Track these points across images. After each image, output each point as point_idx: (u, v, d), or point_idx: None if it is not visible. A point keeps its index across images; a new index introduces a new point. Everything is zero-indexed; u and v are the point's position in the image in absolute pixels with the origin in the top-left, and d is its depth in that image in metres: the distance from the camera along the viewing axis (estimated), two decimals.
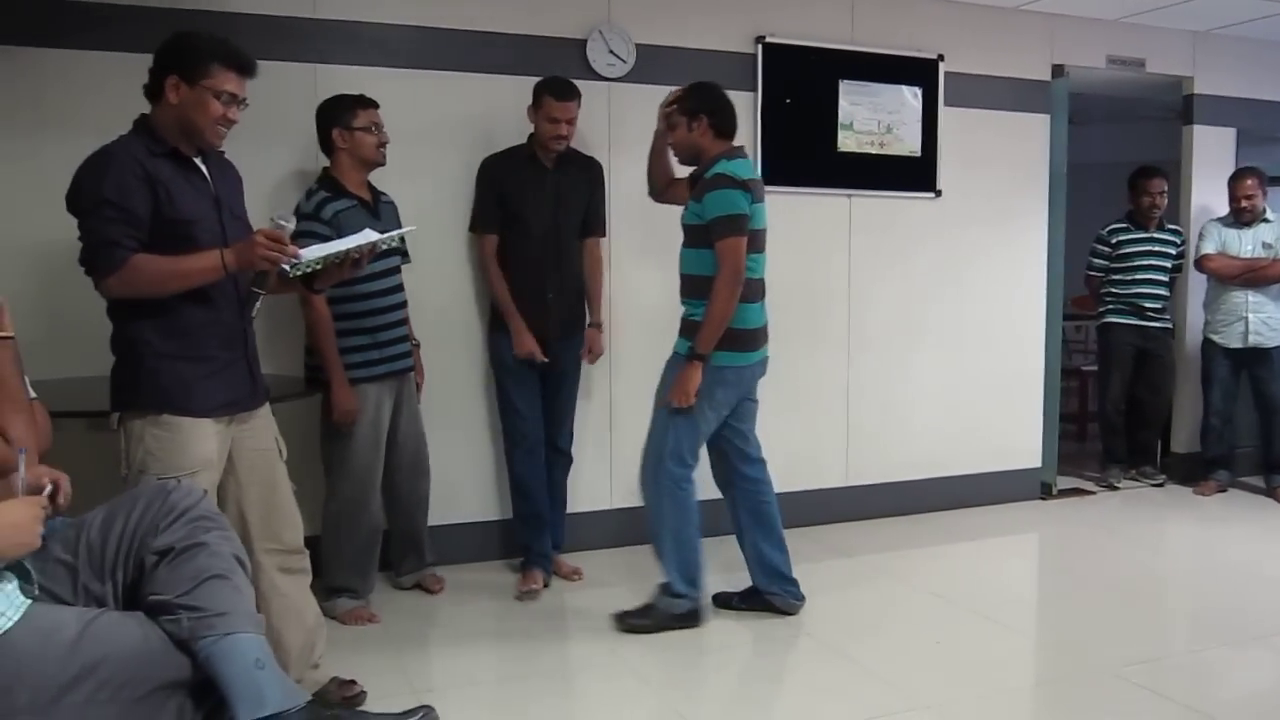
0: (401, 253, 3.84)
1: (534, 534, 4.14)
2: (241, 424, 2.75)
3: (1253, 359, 5.62)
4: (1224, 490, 5.78)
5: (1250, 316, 5.56)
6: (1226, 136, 6.04)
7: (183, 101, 2.55)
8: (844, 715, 3.01)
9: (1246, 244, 5.58)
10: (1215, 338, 5.70)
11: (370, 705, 2.91)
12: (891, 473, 5.22)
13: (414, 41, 4.16)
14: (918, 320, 5.24)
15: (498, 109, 4.26)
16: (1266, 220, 5.60)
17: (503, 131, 4.19)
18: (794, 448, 4.95)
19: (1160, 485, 5.93)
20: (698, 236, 3.56)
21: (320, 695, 2.79)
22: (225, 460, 2.70)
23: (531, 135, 4.03)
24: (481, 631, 3.70)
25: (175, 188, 2.55)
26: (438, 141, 4.20)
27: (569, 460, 4.32)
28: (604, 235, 4.31)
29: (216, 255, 2.54)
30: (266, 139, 3.74)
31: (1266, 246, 5.53)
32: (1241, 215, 5.59)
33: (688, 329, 3.57)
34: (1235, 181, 5.64)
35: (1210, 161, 5.99)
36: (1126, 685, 3.19)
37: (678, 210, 4.62)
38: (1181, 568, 4.71)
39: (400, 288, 3.85)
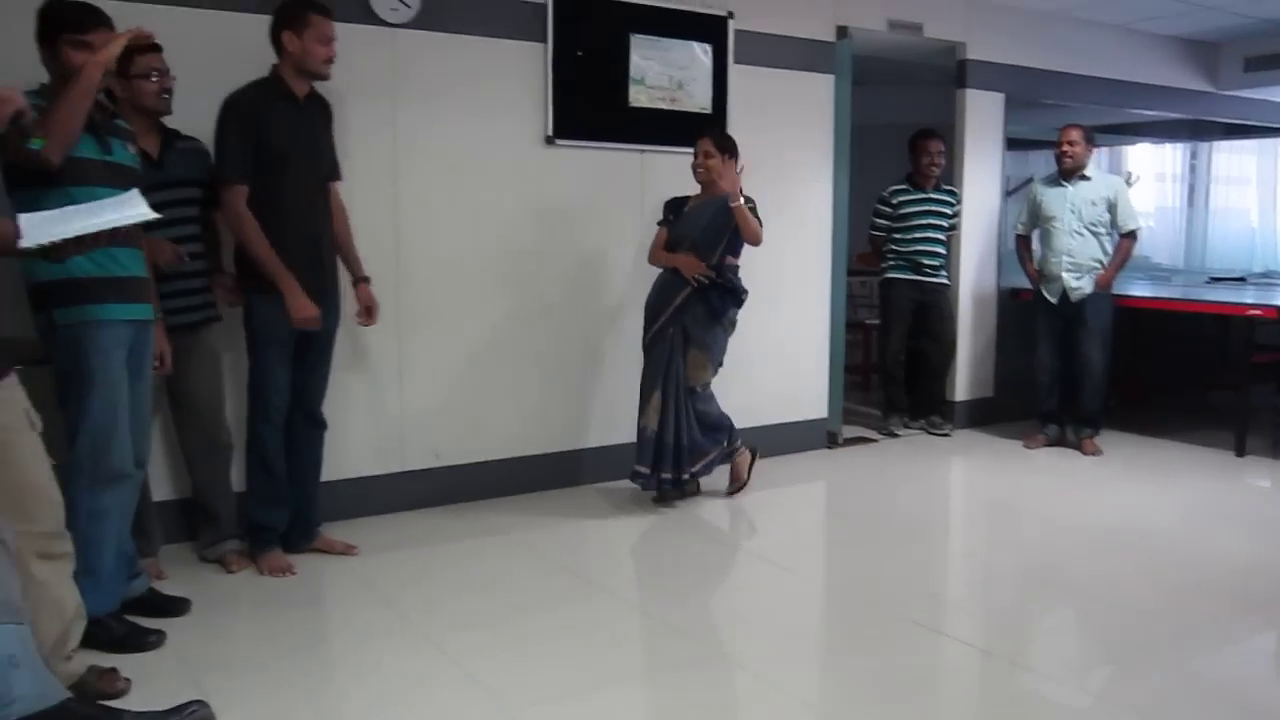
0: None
1: (279, 515, 3.84)
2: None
3: (1071, 312, 5.71)
4: (1053, 444, 5.92)
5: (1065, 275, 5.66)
6: (996, 101, 6.36)
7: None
8: (638, 667, 3.04)
9: (1067, 203, 5.66)
10: (1044, 291, 5.80)
11: (142, 691, 2.74)
12: None
13: None
14: None
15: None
16: (1086, 179, 5.67)
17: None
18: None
19: (947, 435, 6.20)
20: None
21: (79, 688, 2.59)
22: None
23: (277, 67, 3.63)
24: (260, 605, 3.54)
25: None
26: (219, 85, 3.77)
27: (325, 427, 4.00)
28: (341, 180, 3.96)
29: None
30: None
31: (1093, 205, 5.63)
32: (1062, 163, 5.69)
33: None
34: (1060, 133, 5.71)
35: (981, 124, 6.30)
36: (907, 624, 3.34)
37: (468, 162, 4.54)
38: (962, 511, 4.98)
39: (194, 236, 3.62)
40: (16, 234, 2.39)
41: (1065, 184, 5.72)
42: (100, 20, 3.00)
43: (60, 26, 2.96)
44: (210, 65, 3.75)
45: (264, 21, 3.65)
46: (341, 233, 3.91)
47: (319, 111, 3.80)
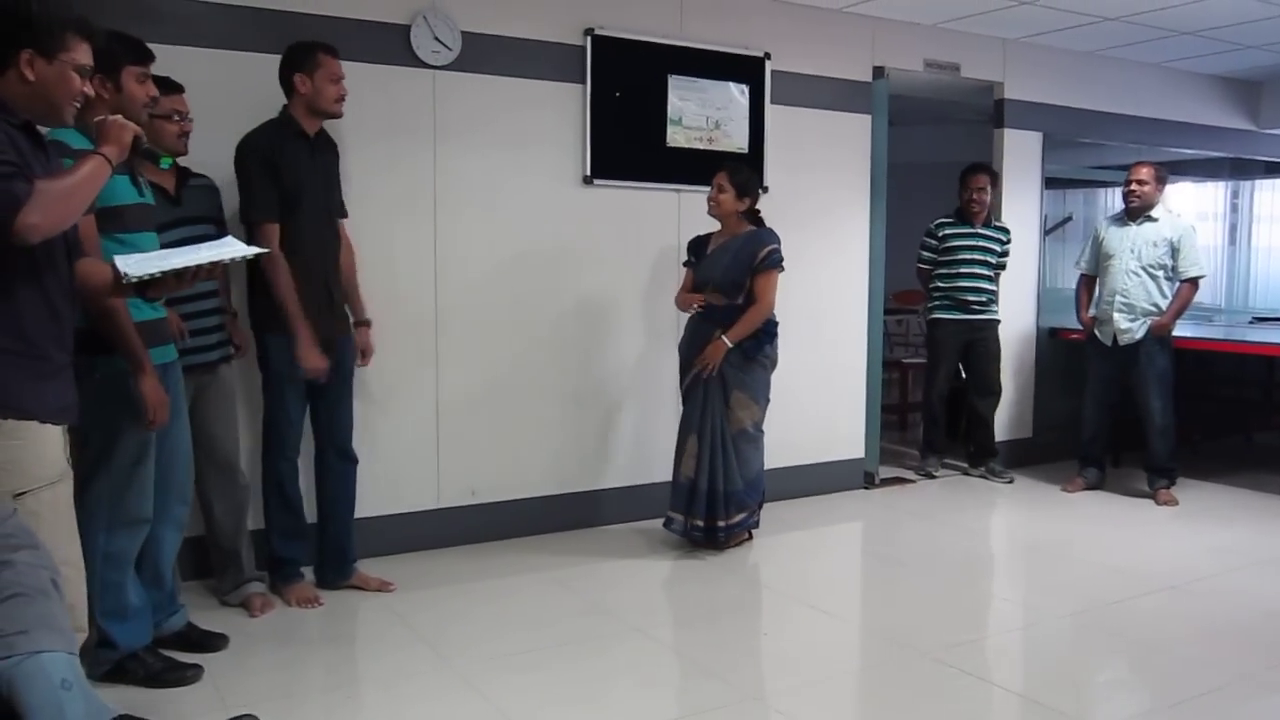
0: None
1: (300, 548, 3.89)
2: (68, 436, 2.46)
3: (1124, 358, 5.54)
4: (1092, 488, 5.77)
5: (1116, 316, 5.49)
6: (1033, 140, 6.34)
7: (41, 79, 2.28)
8: (672, 710, 3.01)
9: (1127, 243, 5.48)
10: (1096, 333, 5.64)
11: None
12: None
13: (222, 20, 3.93)
14: None
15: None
16: (1152, 219, 5.47)
17: None
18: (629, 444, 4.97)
19: (1010, 482, 6.01)
20: None
21: None
22: None
23: (288, 107, 3.67)
24: (296, 641, 3.55)
25: (31, 162, 2.29)
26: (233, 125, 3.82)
27: (356, 463, 4.00)
28: (347, 217, 3.97)
29: (95, 155, 2.35)
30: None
31: (1154, 246, 5.43)
32: (1129, 202, 5.49)
33: None
34: (1130, 171, 5.56)
35: (1019, 163, 6.27)
36: (945, 668, 3.29)
37: (506, 201, 4.58)
38: (1001, 554, 4.91)
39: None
40: (116, 274, 2.40)
41: (1130, 223, 5.53)
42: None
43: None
44: (225, 105, 3.80)
45: (273, 61, 3.69)
46: (348, 269, 3.94)
47: (328, 150, 3.84)
